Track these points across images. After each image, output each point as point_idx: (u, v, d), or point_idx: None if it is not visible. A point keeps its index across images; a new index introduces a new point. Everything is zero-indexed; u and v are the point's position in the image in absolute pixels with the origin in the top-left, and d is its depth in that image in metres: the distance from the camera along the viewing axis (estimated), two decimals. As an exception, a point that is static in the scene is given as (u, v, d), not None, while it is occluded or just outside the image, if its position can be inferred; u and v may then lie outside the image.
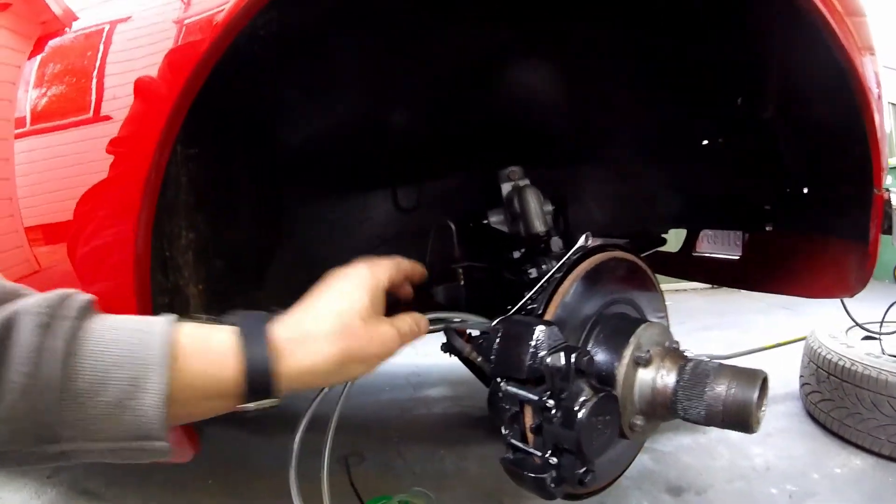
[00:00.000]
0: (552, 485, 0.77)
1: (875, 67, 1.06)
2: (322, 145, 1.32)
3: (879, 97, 1.07)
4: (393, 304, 0.70)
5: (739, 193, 1.54)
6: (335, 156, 1.35)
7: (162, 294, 0.82)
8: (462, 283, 1.19)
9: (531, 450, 0.76)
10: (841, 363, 2.05)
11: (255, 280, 1.24)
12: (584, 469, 0.76)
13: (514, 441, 0.78)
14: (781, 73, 1.22)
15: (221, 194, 1.02)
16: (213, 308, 0.89)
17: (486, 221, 1.18)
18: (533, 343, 0.73)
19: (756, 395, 0.75)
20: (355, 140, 1.31)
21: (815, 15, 0.90)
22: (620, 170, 1.63)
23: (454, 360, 1.81)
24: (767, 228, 1.53)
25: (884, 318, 2.26)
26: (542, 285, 0.83)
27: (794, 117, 1.26)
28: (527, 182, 1.15)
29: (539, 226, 1.05)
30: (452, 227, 1.20)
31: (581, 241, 0.86)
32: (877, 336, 2.28)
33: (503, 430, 0.80)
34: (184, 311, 0.79)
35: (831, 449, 2.03)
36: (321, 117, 1.25)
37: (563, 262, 0.84)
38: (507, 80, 1.29)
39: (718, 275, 1.81)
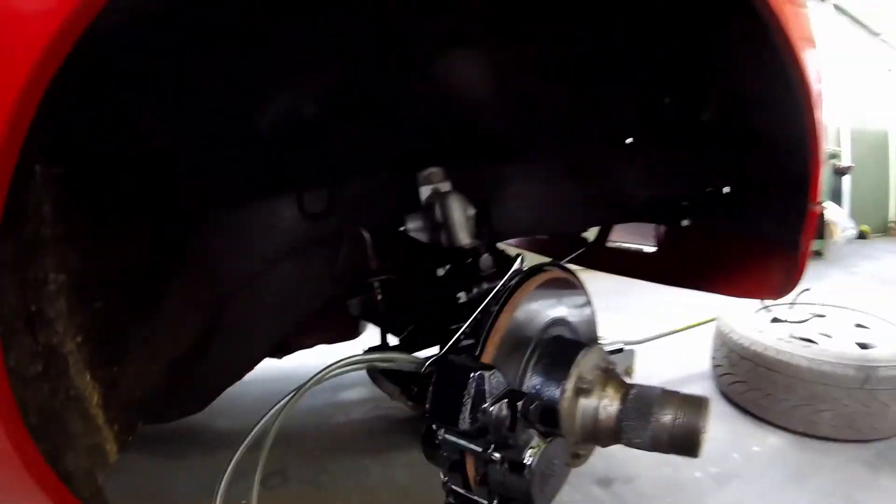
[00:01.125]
0: None
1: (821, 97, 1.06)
2: (214, 147, 1.19)
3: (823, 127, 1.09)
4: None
5: (659, 192, 1.54)
6: (230, 159, 1.23)
7: (33, 360, 0.66)
8: (379, 297, 1.13)
9: (477, 498, 0.71)
10: (753, 348, 2.16)
11: (150, 310, 1.11)
12: None
13: (456, 488, 0.73)
14: (727, 78, 1.22)
15: (99, 219, 0.87)
16: (100, 358, 0.76)
17: (403, 228, 1.12)
18: (473, 392, 0.67)
19: (703, 423, 0.73)
20: (249, 138, 1.19)
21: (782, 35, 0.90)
22: (545, 169, 1.60)
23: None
24: (684, 223, 1.54)
25: (794, 301, 2.37)
26: (476, 317, 0.76)
27: (734, 121, 1.27)
28: (448, 186, 1.09)
29: (464, 238, 1.00)
30: (367, 235, 1.15)
31: (515, 265, 0.81)
32: (785, 320, 2.41)
33: (442, 476, 0.74)
34: (62, 374, 0.67)
35: (748, 428, 2.15)
36: (206, 113, 1.11)
37: (498, 292, 0.78)
38: (431, 70, 1.20)
39: (633, 267, 1.83)
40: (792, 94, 0.99)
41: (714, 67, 1.21)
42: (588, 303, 1.05)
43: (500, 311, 0.76)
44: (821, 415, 2.04)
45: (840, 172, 7.29)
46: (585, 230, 1.84)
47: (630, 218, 1.71)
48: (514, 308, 0.78)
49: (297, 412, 2.26)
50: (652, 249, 1.75)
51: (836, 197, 7.62)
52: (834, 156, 6.97)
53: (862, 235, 9.91)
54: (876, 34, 9.99)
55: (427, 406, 0.73)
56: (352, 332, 1.77)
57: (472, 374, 0.68)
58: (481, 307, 0.78)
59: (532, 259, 1.24)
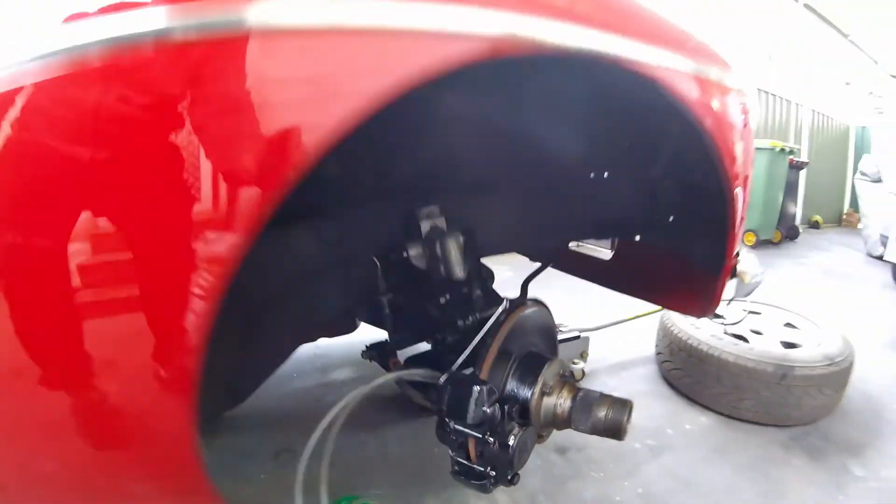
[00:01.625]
0: (490, 486, 1.08)
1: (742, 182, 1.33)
2: None
3: (743, 206, 1.36)
4: None
5: (616, 216, 1.77)
6: None
7: None
8: (387, 311, 1.37)
9: (476, 466, 1.05)
10: (689, 341, 2.44)
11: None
12: (511, 475, 1.06)
13: (460, 460, 1.07)
14: (674, 149, 1.43)
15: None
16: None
17: (405, 255, 1.36)
18: (475, 398, 1.00)
19: (625, 418, 1.07)
20: None
21: (709, 137, 1.16)
22: (523, 197, 1.81)
23: (352, 339, 1.99)
24: (636, 238, 1.76)
25: (730, 300, 2.68)
26: (475, 346, 1.10)
27: (676, 181, 1.52)
28: (444, 222, 1.36)
29: (459, 272, 1.29)
30: (377, 263, 1.37)
31: (502, 306, 1.14)
32: (722, 316, 2.70)
33: (451, 453, 1.08)
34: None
35: (683, 408, 2.42)
36: None
37: (491, 327, 1.11)
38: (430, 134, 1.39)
39: (590, 271, 2.03)
40: (717, 177, 1.25)
41: (664, 142, 1.44)
42: (552, 325, 1.37)
43: (492, 343, 1.10)
44: (743, 402, 2.29)
45: (797, 167, 7.52)
46: (557, 245, 2.06)
47: (593, 235, 1.96)
48: (502, 338, 1.11)
49: (292, 392, 2.47)
50: (607, 257, 1.95)
51: (792, 189, 7.86)
52: (792, 152, 7.23)
53: (815, 225, 10.40)
54: (845, 35, 10.10)
55: (444, 406, 1.06)
56: (350, 328, 1.94)
57: (475, 387, 1.00)
58: (478, 338, 1.11)
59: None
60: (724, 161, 1.20)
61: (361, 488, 1.75)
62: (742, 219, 1.39)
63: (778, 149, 6.80)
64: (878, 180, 6.11)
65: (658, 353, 2.76)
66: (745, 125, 1.31)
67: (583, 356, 2.66)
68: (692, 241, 1.57)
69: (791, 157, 7.25)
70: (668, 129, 1.33)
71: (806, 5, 8.58)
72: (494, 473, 1.06)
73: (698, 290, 1.57)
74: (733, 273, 1.45)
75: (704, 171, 1.28)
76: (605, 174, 1.70)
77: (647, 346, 2.97)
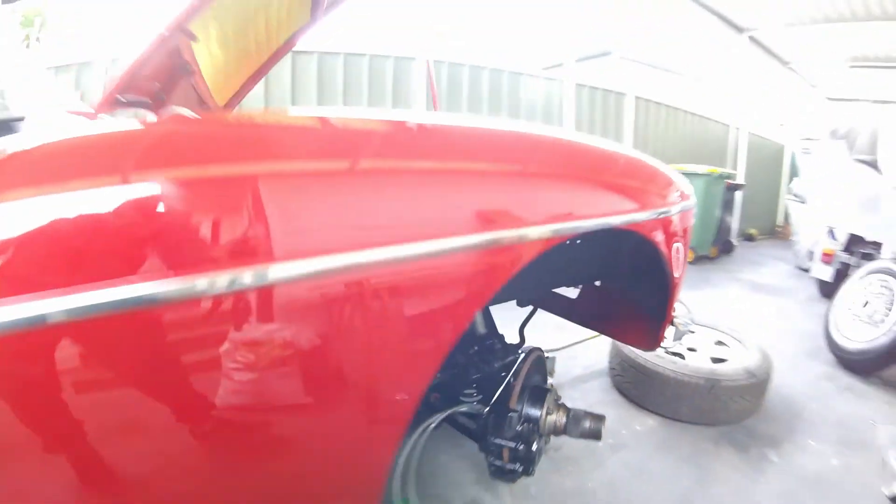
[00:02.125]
0: (516, 478, 1.63)
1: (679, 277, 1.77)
2: None
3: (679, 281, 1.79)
4: None
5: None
6: None
7: None
8: None
9: (507, 465, 1.59)
10: (637, 360, 2.95)
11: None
12: (531, 468, 1.62)
13: (497, 463, 1.61)
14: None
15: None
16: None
17: None
18: (510, 422, 1.55)
19: (602, 426, 1.64)
20: None
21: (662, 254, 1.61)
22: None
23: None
24: (597, 283, 2.14)
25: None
26: (506, 384, 1.64)
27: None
28: None
29: (481, 329, 1.84)
30: None
31: (523, 355, 1.68)
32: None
33: (489, 457, 1.62)
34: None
35: (632, 413, 2.92)
36: None
37: (516, 369, 1.65)
38: None
39: (560, 308, 2.32)
40: (663, 270, 1.68)
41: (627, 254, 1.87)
42: (545, 363, 1.92)
43: (517, 381, 1.64)
44: (681, 408, 2.78)
45: (733, 188, 8.28)
46: (543, 294, 2.37)
47: (567, 284, 2.26)
48: (522, 377, 1.65)
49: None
50: (573, 296, 2.27)
51: (729, 206, 8.58)
52: (729, 176, 7.97)
53: (750, 237, 11.26)
54: (786, 63, 10.93)
55: (488, 428, 1.59)
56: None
57: (510, 414, 1.55)
58: (507, 380, 1.64)
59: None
60: (670, 263, 1.69)
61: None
62: (677, 289, 1.85)
63: (715, 175, 7.51)
64: (805, 202, 6.87)
65: (611, 369, 3.24)
66: (685, 231, 1.81)
67: (550, 373, 3.21)
68: (643, 300, 1.96)
69: (728, 180, 7.97)
70: (634, 249, 1.79)
71: (751, 38, 9.37)
72: (521, 469, 1.61)
73: (645, 332, 2.00)
74: (672, 323, 2.00)
75: (655, 267, 1.72)
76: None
77: (600, 362, 3.47)
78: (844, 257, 5.33)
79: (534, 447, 1.60)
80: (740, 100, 10.62)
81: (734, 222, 9.56)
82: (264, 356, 0.86)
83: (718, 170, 7.63)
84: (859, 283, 4.20)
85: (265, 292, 0.84)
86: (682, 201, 1.75)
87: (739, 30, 9.52)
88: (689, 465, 2.48)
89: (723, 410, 2.81)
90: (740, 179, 9.51)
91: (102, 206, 0.78)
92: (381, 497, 1.11)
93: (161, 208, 0.80)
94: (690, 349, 3.19)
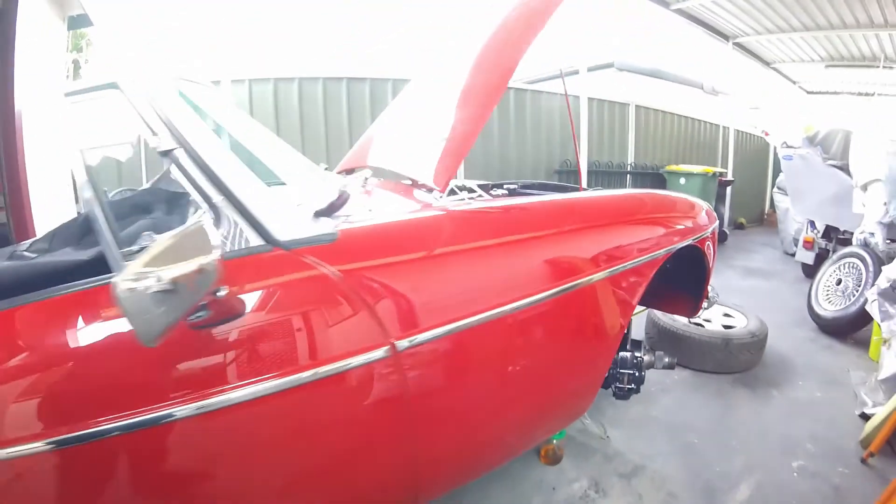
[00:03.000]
0: (631, 395, 2.61)
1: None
2: None
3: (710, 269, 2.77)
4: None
5: None
6: None
7: None
8: None
9: (626, 387, 2.58)
10: (668, 328, 3.91)
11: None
12: (638, 387, 2.62)
13: (619, 385, 2.59)
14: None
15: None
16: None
17: None
18: (632, 361, 2.55)
19: (675, 362, 2.66)
20: None
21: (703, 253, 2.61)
22: None
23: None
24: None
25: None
26: (623, 338, 2.65)
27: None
28: None
29: None
30: None
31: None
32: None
33: (614, 385, 2.60)
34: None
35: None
36: None
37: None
38: None
39: None
40: (703, 266, 2.73)
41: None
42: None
43: (628, 336, 2.65)
44: (705, 361, 3.74)
45: (724, 184, 9.33)
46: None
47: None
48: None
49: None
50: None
51: (722, 200, 9.64)
52: (721, 174, 9.02)
53: (740, 226, 12.24)
54: (768, 63, 11.96)
55: (616, 365, 2.59)
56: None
57: (636, 357, 2.57)
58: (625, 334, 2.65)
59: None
60: (707, 259, 2.64)
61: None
62: (710, 275, 2.83)
63: (710, 174, 8.58)
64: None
65: (648, 337, 4.12)
66: (714, 238, 2.75)
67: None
68: (685, 284, 2.76)
69: (721, 177, 9.05)
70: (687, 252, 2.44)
71: (735, 44, 10.41)
72: (634, 388, 2.58)
73: (686, 305, 2.82)
74: (706, 297, 2.99)
75: (698, 262, 2.56)
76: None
77: (637, 334, 4.30)
78: (823, 244, 6.39)
79: (640, 374, 2.60)
80: (728, 101, 11.67)
81: (726, 212, 10.62)
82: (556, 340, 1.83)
83: (713, 169, 8.69)
84: (834, 265, 5.22)
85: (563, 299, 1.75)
86: (712, 223, 2.73)
87: (725, 38, 10.63)
88: (717, 399, 3.43)
89: (735, 362, 3.79)
90: (730, 174, 10.58)
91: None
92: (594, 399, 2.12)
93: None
94: (706, 320, 4.14)
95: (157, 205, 1.91)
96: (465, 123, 1.92)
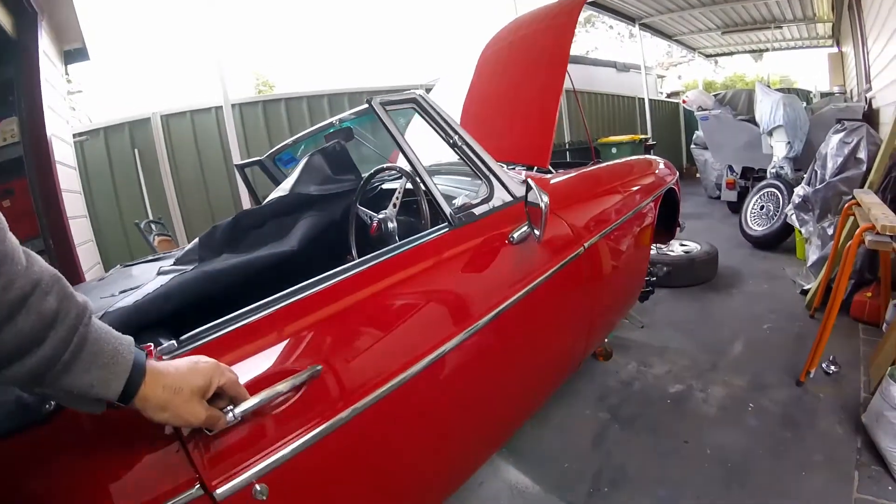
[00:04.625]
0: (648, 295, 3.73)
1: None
2: None
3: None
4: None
5: None
6: None
7: None
8: None
9: (646, 289, 3.68)
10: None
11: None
12: (654, 290, 3.75)
13: (644, 290, 3.71)
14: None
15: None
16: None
17: None
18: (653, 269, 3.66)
19: (670, 269, 3.81)
20: None
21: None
22: None
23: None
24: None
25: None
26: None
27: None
28: None
29: None
30: None
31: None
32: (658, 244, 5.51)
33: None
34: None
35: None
36: None
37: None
38: None
39: None
40: (674, 202, 3.94)
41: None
42: None
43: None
44: (679, 277, 4.78)
45: (649, 148, 10.53)
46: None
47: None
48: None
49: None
50: None
51: None
52: (646, 139, 10.38)
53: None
54: (671, 37, 13.42)
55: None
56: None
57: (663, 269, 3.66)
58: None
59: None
60: (679, 196, 3.77)
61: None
62: (679, 207, 4.01)
63: (637, 140, 9.94)
64: (706, 148, 9.27)
65: None
66: (678, 183, 3.92)
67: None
68: (663, 218, 3.75)
69: (646, 142, 10.41)
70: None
71: (642, 24, 11.75)
72: (651, 290, 3.64)
73: (664, 233, 3.81)
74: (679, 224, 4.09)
75: (671, 199, 3.69)
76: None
77: None
78: (742, 183, 7.77)
79: (653, 279, 3.64)
80: (640, 74, 13.14)
81: (651, 170, 11.97)
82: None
83: (639, 136, 10.07)
84: (756, 195, 6.55)
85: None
86: (675, 171, 3.83)
87: (632, 20, 12.06)
88: (695, 302, 4.60)
89: (699, 276, 4.98)
90: (652, 139, 12.00)
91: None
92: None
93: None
94: (670, 249, 5.20)
95: (316, 203, 2.19)
96: (542, 110, 2.50)
